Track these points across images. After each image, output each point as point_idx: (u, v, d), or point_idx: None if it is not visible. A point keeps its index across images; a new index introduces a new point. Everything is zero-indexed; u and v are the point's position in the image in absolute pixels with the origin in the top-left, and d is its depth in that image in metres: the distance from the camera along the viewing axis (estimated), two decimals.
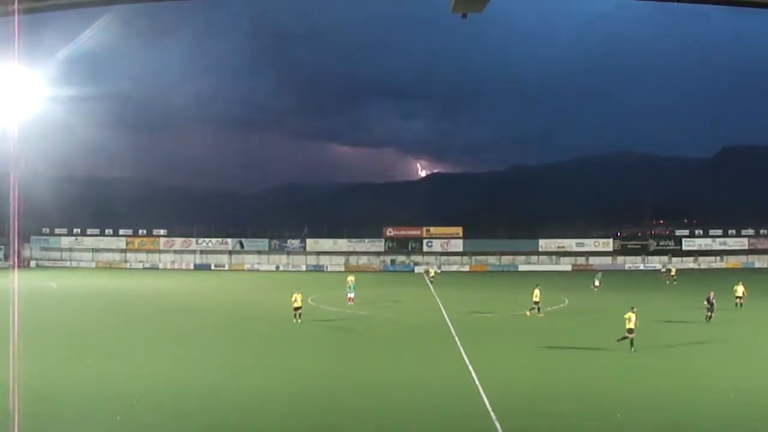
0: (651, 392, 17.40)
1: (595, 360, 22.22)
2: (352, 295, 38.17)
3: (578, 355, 23.05)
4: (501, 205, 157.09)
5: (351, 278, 42.66)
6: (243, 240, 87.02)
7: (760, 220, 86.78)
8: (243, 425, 14.70)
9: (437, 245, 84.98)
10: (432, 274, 60.23)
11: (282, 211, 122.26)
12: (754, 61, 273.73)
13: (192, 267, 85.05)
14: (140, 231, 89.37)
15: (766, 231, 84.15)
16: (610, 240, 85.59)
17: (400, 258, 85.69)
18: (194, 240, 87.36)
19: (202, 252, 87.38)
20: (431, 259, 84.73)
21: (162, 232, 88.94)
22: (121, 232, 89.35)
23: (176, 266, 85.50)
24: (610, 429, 14.56)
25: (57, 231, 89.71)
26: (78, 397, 17.04)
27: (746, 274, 68.25)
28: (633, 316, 22.97)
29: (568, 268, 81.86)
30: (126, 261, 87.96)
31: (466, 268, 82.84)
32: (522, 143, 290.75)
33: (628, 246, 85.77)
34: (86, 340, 26.49)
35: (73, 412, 15.62)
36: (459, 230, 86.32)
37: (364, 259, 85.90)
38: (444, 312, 35.24)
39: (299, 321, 30.08)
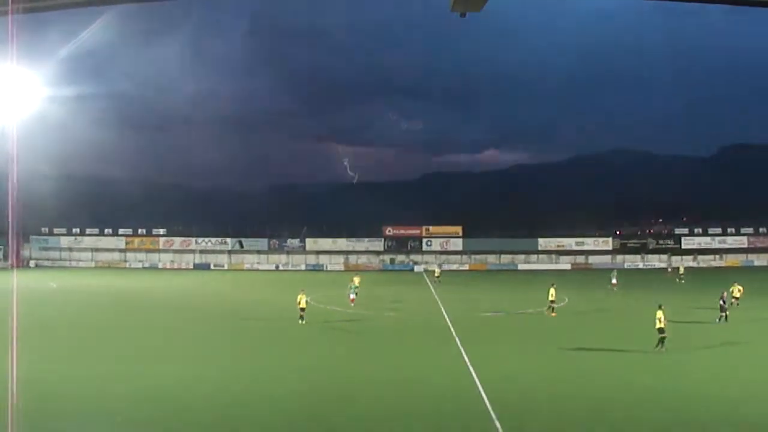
0: (652, 390, 17.40)
1: (595, 358, 22.24)
2: (353, 296, 37.94)
3: (578, 353, 23.05)
4: (500, 204, 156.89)
5: (356, 279, 42.56)
6: (242, 239, 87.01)
7: (759, 219, 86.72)
8: (242, 424, 14.70)
9: (436, 244, 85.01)
10: (438, 273, 59.79)
11: (281, 211, 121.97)
12: (754, 60, 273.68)
13: (191, 266, 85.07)
14: (139, 230, 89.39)
15: (765, 229, 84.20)
16: (610, 239, 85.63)
17: (400, 257, 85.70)
18: (193, 239, 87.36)
19: (201, 252, 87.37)
20: (430, 258, 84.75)
21: (161, 231, 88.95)
22: (120, 231, 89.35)
23: (175, 266, 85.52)
24: (610, 426, 14.57)
25: (56, 231, 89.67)
26: (77, 396, 17.04)
27: (745, 272, 68.44)
28: (662, 315, 22.71)
29: (568, 267, 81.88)
30: (125, 261, 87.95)
31: (466, 267, 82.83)
32: (521, 142, 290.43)
33: (628, 245, 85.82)
34: (86, 339, 26.50)
35: (72, 411, 15.62)
36: (458, 229, 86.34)
37: (363, 258, 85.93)
38: (444, 311, 35.26)
39: (303, 322, 29.80)
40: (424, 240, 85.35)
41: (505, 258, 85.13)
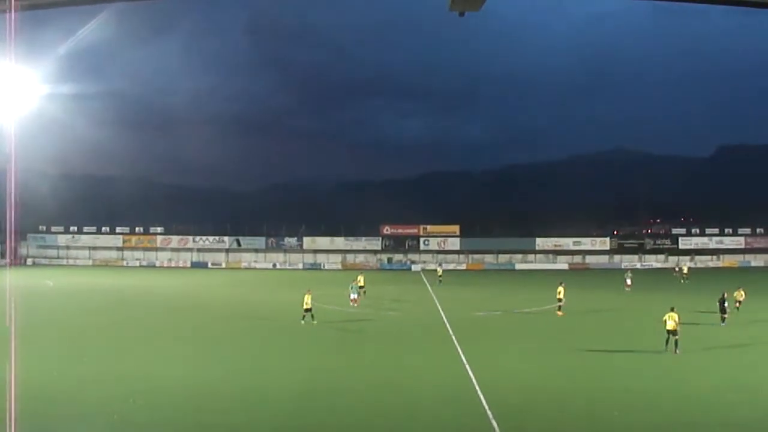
0: (651, 391, 17.41)
1: (594, 358, 22.25)
2: (354, 296, 37.77)
3: (576, 353, 23.05)
4: (498, 204, 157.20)
5: (361, 278, 42.42)
6: (240, 238, 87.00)
7: (756, 219, 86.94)
8: (241, 424, 14.68)
9: (434, 243, 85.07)
10: (440, 273, 59.50)
11: (279, 209, 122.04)
12: (752, 60, 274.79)
13: (189, 265, 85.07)
14: (137, 229, 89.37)
15: (762, 230, 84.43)
16: (607, 239, 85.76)
17: (397, 256, 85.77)
18: (191, 238, 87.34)
19: (199, 250, 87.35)
20: (428, 257, 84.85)
21: (159, 230, 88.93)
22: (118, 230, 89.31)
23: (173, 264, 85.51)
24: (607, 427, 14.59)
25: (54, 229, 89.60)
26: (75, 395, 17.00)
27: (743, 273, 68.52)
28: (676, 317, 22.59)
29: (565, 266, 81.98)
30: (123, 259, 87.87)
31: (463, 267, 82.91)
32: (519, 141, 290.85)
33: (625, 245, 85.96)
34: (83, 338, 26.46)
35: (69, 411, 15.59)
36: (456, 228, 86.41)
37: (361, 257, 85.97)
38: (441, 310, 35.27)
39: (308, 322, 29.51)
40: (422, 239, 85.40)
41: (503, 257, 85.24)
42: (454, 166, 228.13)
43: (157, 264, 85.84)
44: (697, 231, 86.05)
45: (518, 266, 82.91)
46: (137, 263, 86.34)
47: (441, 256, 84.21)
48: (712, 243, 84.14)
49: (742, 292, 34.36)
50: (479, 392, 16.83)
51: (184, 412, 15.49)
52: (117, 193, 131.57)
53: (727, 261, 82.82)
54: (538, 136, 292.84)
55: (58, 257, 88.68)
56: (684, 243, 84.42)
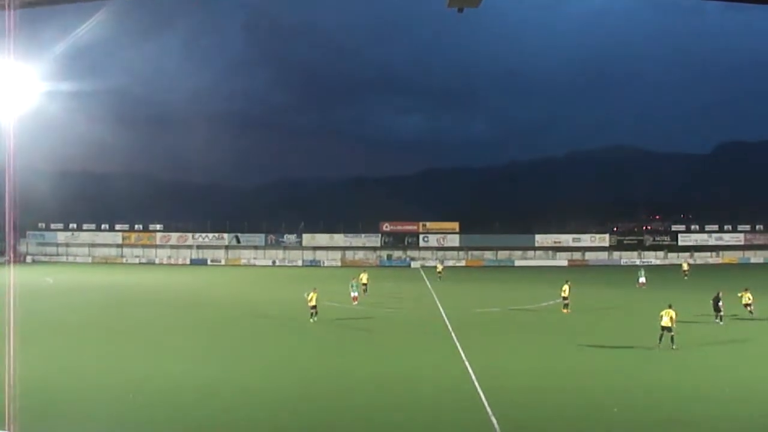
0: (650, 387, 17.42)
1: (593, 355, 22.28)
2: (355, 294, 37.66)
3: (576, 350, 23.07)
4: (497, 200, 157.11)
5: (364, 275, 42.33)
6: (239, 235, 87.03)
7: (756, 216, 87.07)
8: (241, 422, 14.68)
9: (433, 240, 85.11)
10: (440, 269, 59.56)
11: (278, 206, 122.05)
12: (751, 57, 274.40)
13: (188, 262, 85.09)
14: (136, 226, 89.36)
15: (761, 226, 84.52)
16: (607, 235, 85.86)
17: (397, 253, 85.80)
18: (190, 235, 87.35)
19: (198, 247, 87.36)
20: (427, 254, 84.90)
21: (158, 227, 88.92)
22: (117, 227, 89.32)
23: (172, 261, 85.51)
24: (606, 423, 14.60)
25: (53, 226, 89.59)
26: (74, 392, 17.01)
27: (742, 269, 68.59)
28: (672, 313, 22.57)
29: (564, 263, 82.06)
30: (122, 256, 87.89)
31: (462, 263, 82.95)
32: (519, 138, 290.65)
33: (624, 241, 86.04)
34: (83, 335, 26.47)
35: (69, 408, 15.59)
36: (455, 225, 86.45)
37: (360, 254, 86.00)
38: (440, 307, 35.28)
39: (315, 320, 29.44)
40: (421, 236, 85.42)
41: (502, 254, 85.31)
42: (454, 162, 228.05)
43: (157, 261, 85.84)
44: (697, 228, 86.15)
45: (518, 263, 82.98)
46: (136, 260, 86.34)
47: (440, 253, 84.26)
48: (712, 240, 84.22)
49: (749, 295, 31.78)
50: (479, 389, 16.83)
51: (184, 410, 15.48)
52: (116, 191, 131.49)
53: (726, 257, 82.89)
54: (538, 133, 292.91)
55: (57, 254, 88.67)
56: (683, 240, 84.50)
